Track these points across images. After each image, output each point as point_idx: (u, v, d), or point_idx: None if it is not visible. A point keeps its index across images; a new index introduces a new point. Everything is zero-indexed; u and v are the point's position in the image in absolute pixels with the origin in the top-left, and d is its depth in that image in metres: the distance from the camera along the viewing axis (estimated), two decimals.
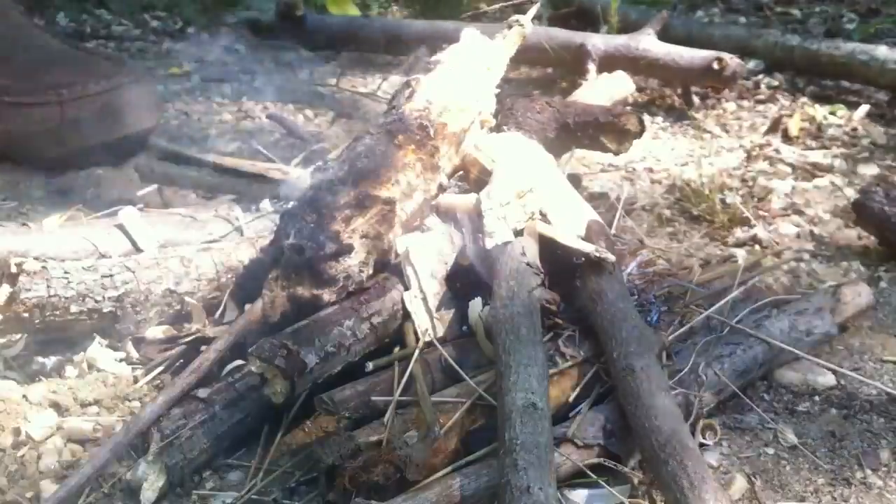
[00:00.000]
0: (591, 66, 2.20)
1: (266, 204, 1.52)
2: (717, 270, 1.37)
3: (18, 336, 1.21)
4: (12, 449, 1.06)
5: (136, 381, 1.17)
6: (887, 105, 2.21)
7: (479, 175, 1.28)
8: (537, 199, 1.17)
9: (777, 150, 1.96)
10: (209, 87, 2.37)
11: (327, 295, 1.10)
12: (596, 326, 1.08)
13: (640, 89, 2.26)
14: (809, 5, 2.99)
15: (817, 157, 1.95)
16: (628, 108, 1.46)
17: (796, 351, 1.16)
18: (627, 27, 2.43)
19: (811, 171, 1.87)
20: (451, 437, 0.98)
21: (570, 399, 1.05)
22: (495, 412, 0.94)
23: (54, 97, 1.63)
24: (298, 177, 1.56)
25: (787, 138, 2.03)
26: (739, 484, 1.01)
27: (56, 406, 1.12)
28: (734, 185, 1.78)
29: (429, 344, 1.08)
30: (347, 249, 1.10)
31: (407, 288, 1.14)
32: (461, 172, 1.32)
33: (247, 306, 1.16)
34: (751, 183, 1.79)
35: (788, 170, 1.89)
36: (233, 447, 1.06)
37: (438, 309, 1.13)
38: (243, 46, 2.74)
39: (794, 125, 2.04)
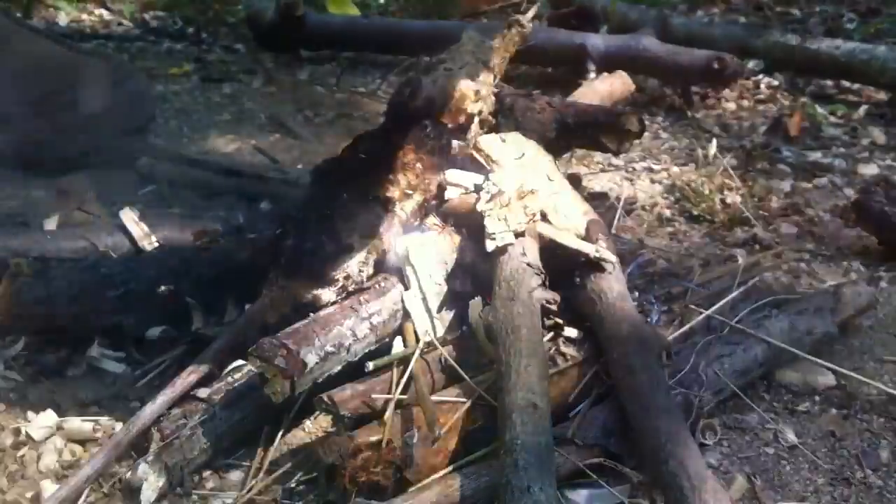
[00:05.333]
0: (591, 66, 2.20)
1: (266, 204, 1.52)
2: (717, 270, 1.37)
3: (18, 336, 1.21)
4: (12, 449, 1.06)
5: (136, 381, 1.17)
6: (887, 105, 2.21)
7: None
8: (537, 199, 1.17)
9: (777, 150, 1.97)
10: (209, 87, 2.37)
11: (327, 295, 1.10)
12: (596, 326, 1.08)
13: (640, 89, 2.26)
14: (809, 5, 2.99)
15: (817, 157, 1.95)
16: (628, 108, 1.46)
17: (796, 351, 1.16)
18: (627, 27, 2.43)
19: (811, 171, 1.87)
20: (451, 437, 0.98)
21: (570, 399, 1.05)
22: (495, 412, 0.94)
23: (46, 107, 1.62)
24: (298, 177, 1.56)
25: (787, 138, 2.03)
26: (739, 484, 1.01)
27: (56, 406, 1.12)
28: (734, 185, 1.78)
29: (429, 344, 1.08)
30: (347, 249, 1.10)
31: (407, 288, 1.14)
32: None
33: (247, 306, 1.16)
34: (751, 183, 1.79)
35: (788, 170, 1.89)
36: (233, 447, 1.06)
37: (438, 309, 1.13)
38: (243, 46, 2.74)
39: (794, 125, 2.04)
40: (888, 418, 1.12)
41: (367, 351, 1.09)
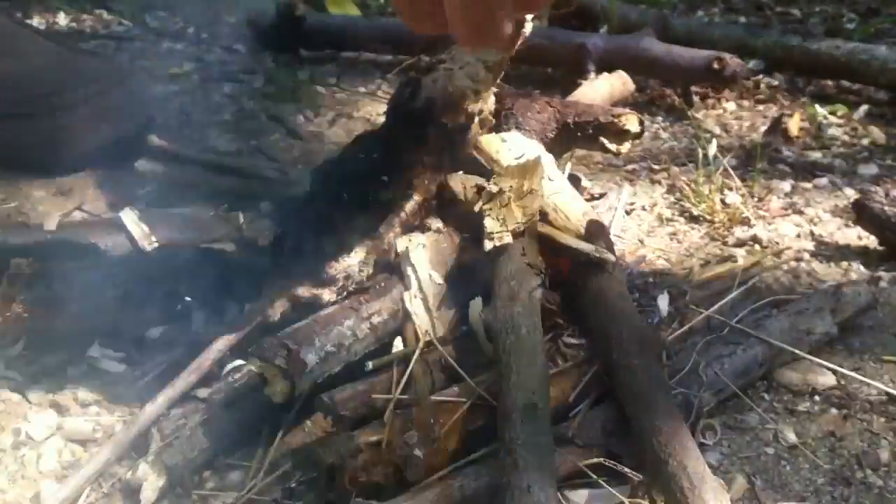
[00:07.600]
0: (591, 66, 2.20)
1: (266, 204, 1.52)
2: (717, 270, 1.37)
3: (18, 336, 1.21)
4: (12, 449, 1.06)
5: (136, 381, 1.17)
6: (887, 105, 2.21)
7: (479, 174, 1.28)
8: (537, 199, 1.17)
9: (777, 150, 1.97)
10: (209, 87, 2.37)
11: (327, 295, 1.10)
12: (596, 326, 1.08)
13: (640, 89, 2.26)
14: (809, 5, 2.98)
15: (817, 156, 1.95)
16: (628, 108, 1.46)
17: (796, 351, 1.16)
18: (627, 27, 2.42)
19: (811, 171, 1.87)
20: (451, 437, 0.98)
21: (570, 399, 1.05)
22: (495, 412, 0.94)
23: (45, 107, 1.62)
24: (298, 177, 1.56)
25: (787, 138, 2.03)
26: (739, 484, 1.01)
27: (56, 406, 1.12)
28: (734, 185, 1.78)
29: (429, 344, 1.08)
30: (347, 249, 1.10)
31: (407, 288, 1.14)
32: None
33: (247, 306, 1.16)
34: (751, 183, 1.78)
35: (788, 170, 1.89)
36: (233, 447, 1.06)
37: (438, 309, 1.13)
38: (243, 46, 2.74)
39: (794, 125, 2.04)
40: (888, 418, 1.12)
41: (367, 351, 1.09)
